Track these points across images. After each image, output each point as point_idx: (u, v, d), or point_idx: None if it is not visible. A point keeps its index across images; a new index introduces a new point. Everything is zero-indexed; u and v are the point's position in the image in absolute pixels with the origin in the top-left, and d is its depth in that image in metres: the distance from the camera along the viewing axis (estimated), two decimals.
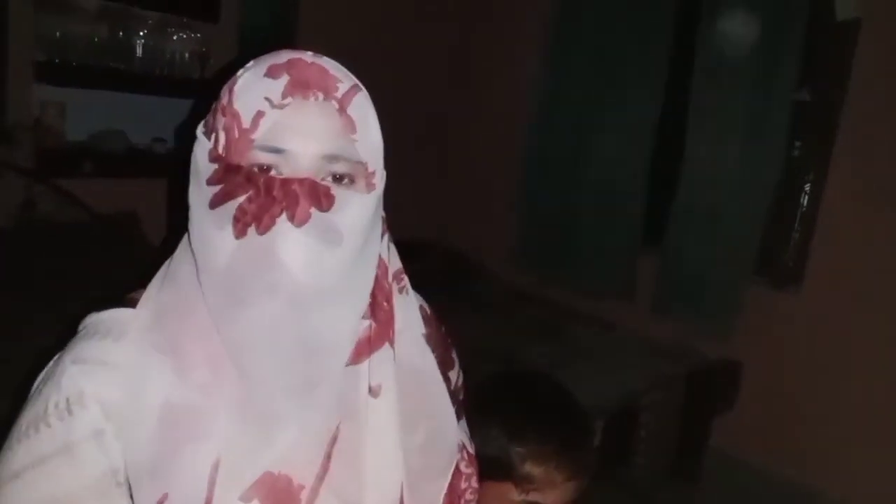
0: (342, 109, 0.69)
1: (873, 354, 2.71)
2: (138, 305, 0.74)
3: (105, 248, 2.95)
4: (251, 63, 0.71)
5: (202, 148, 0.69)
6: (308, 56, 0.70)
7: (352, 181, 0.70)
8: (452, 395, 0.87)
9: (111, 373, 0.69)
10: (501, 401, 1.11)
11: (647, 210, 3.49)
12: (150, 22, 3.32)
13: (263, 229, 0.64)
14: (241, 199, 0.65)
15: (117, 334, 0.72)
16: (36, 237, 2.87)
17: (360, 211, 0.68)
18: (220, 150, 0.68)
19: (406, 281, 0.81)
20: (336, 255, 0.66)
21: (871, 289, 2.74)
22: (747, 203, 3.03)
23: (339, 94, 0.69)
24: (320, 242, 0.65)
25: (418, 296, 0.88)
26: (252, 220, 0.64)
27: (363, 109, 0.71)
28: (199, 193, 0.69)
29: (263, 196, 0.65)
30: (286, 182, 0.65)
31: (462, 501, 0.82)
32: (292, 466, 0.69)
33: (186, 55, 3.44)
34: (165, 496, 0.66)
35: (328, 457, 0.71)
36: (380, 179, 0.73)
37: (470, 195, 4.22)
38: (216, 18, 3.46)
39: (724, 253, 3.09)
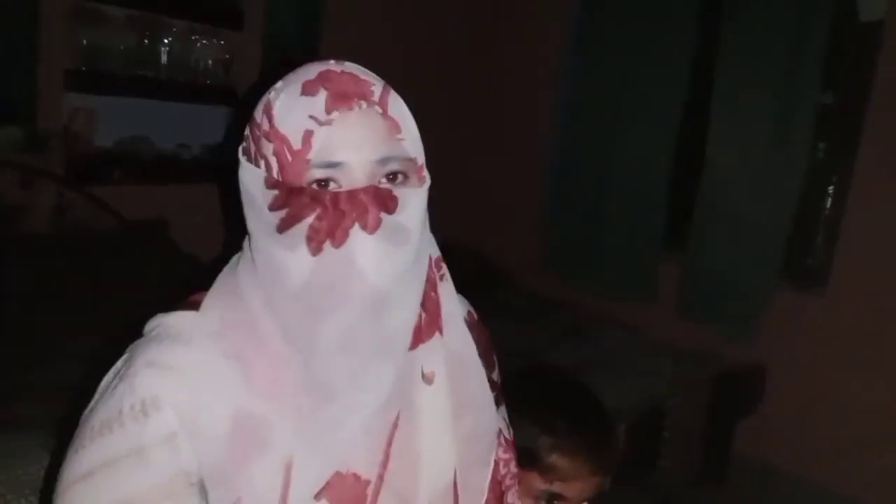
0: (385, 112, 0.71)
1: None
2: (202, 309, 0.76)
3: (135, 253, 3.00)
4: (280, 84, 0.72)
5: (252, 175, 0.71)
6: (334, 65, 0.72)
7: (406, 177, 0.72)
8: (493, 386, 0.90)
9: (183, 377, 0.70)
10: (532, 393, 1.13)
11: (670, 213, 3.48)
12: (175, 30, 3.37)
13: (339, 242, 0.66)
14: (310, 218, 0.67)
15: (186, 339, 0.73)
16: (68, 243, 2.93)
17: (417, 206, 0.71)
18: (276, 174, 0.69)
19: (445, 268, 0.83)
20: (404, 253, 0.69)
21: (895, 292, 2.72)
22: (771, 206, 3.02)
23: (377, 98, 0.71)
24: (392, 245, 0.68)
25: (465, 300, 0.91)
26: (326, 237, 0.66)
27: (400, 107, 0.73)
28: (260, 220, 0.71)
29: (332, 211, 0.66)
30: (352, 194, 0.67)
31: (503, 486, 0.85)
32: (357, 462, 0.71)
33: (211, 62, 3.49)
34: (239, 499, 0.68)
35: (388, 447, 0.73)
36: (426, 170, 0.75)
37: (494, 200, 4.23)
38: (241, 26, 3.51)
39: (748, 256, 3.08)
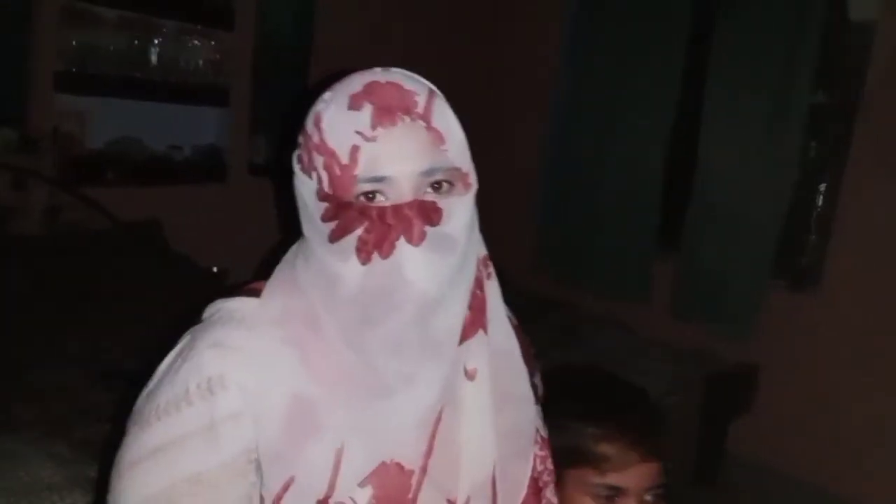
0: (428, 125, 0.73)
1: (893, 355, 2.70)
2: (263, 297, 0.79)
3: (128, 254, 2.98)
4: (328, 94, 0.74)
5: (306, 186, 0.74)
6: (380, 74, 0.74)
7: (451, 186, 0.74)
8: (534, 389, 0.93)
9: (246, 359, 0.73)
10: (568, 390, 1.11)
11: (664, 213, 3.49)
12: (166, 31, 3.35)
13: (386, 254, 0.70)
14: (359, 231, 0.70)
15: (249, 324, 0.76)
16: (60, 244, 2.91)
17: (463, 214, 0.74)
18: (326, 188, 0.72)
19: (492, 267, 0.85)
20: (451, 261, 0.72)
21: (888, 290, 2.74)
22: (764, 205, 3.03)
23: (420, 110, 0.73)
24: (439, 255, 0.71)
25: (505, 307, 0.92)
26: (374, 248, 0.70)
27: (444, 116, 0.75)
28: (314, 229, 0.75)
29: (379, 225, 0.70)
30: (397, 208, 0.70)
31: (540, 483, 0.86)
32: (402, 453, 0.74)
33: (202, 63, 3.47)
34: (292, 479, 0.72)
35: (432, 440, 0.75)
36: (473, 177, 0.77)
37: (489, 200, 4.21)
38: (232, 26, 3.49)
39: (742, 255, 3.09)
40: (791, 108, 2.96)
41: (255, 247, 3.60)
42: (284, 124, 0.82)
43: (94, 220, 3.11)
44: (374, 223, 0.70)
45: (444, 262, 0.71)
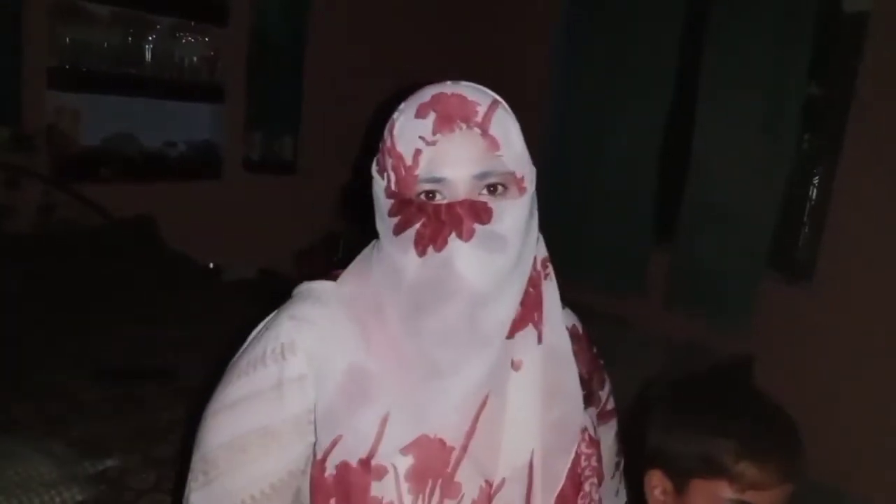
0: (484, 132, 0.79)
1: (886, 347, 2.71)
2: (339, 281, 0.88)
3: (123, 251, 2.99)
4: (403, 105, 0.83)
5: (379, 186, 0.83)
6: (448, 88, 0.81)
7: (505, 189, 0.80)
8: (604, 414, 1.01)
9: (316, 330, 0.84)
10: (705, 398, 1.07)
11: (659, 206, 3.49)
12: (159, 27, 3.34)
13: (439, 248, 0.77)
14: (417, 225, 0.78)
15: (324, 301, 0.86)
16: (55, 242, 2.91)
17: (516, 215, 0.80)
18: (393, 186, 0.80)
19: (550, 268, 0.91)
20: (502, 258, 0.78)
21: (882, 281, 2.75)
22: (758, 198, 3.03)
23: (479, 119, 0.79)
24: (487, 251, 0.77)
25: (573, 314, 1.01)
26: (429, 242, 0.78)
27: (503, 124, 0.81)
28: (383, 224, 0.84)
29: (434, 221, 0.78)
30: (450, 206, 0.78)
31: (582, 478, 0.90)
32: (445, 431, 0.80)
33: (196, 59, 3.47)
34: (340, 437, 0.80)
35: (475, 422, 0.81)
36: (529, 181, 0.83)
37: None
38: (225, 22, 3.49)
39: (736, 248, 3.09)
40: (785, 101, 2.96)
41: (250, 242, 3.64)
42: (367, 135, 0.95)
43: (89, 218, 3.11)
44: (430, 219, 0.78)
45: (494, 259, 0.78)
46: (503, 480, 0.83)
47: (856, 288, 2.81)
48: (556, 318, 0.90)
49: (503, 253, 0.78)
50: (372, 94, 3.95)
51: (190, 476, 0.86)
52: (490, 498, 0.82)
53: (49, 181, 3.01)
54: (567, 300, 0.95)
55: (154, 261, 3.06)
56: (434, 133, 0.78)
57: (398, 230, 0.80)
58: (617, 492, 1.08)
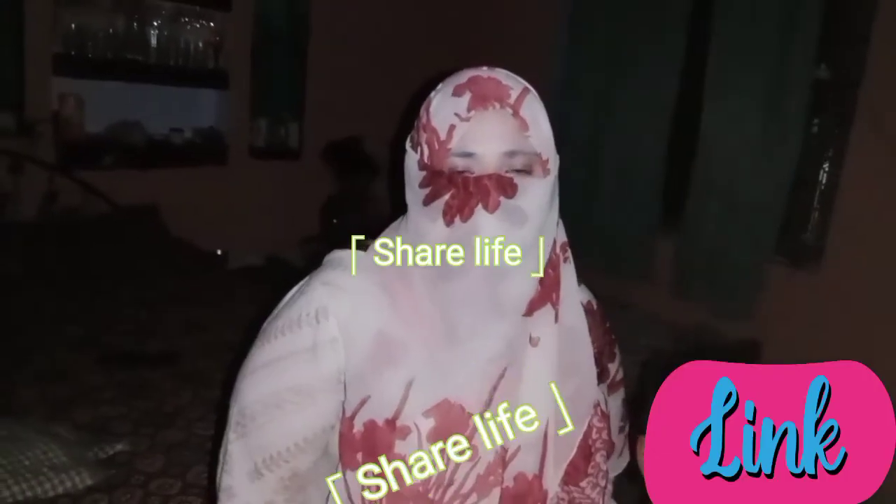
0: (516, 113, 0.84)
1: (893, 333, 2.70)
2: (368, 251, 0.92)
3: (126, 238, 2.99)
4: (440, 85, 0.87)
5: (411, 159, 0.87)
6: (484, 71, 0.86)
7: (530, 170, 0.84)
8: (613, 384, 1.05)
9: (347, 296, 0.88)
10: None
11: (665, 191, 3.48)
12: (164, 12, 3.33)
13: (466, 218, 0.81)
14: (446, 196, 0.82)
15: (355, 269, 0.90)
16: (59, 229, 2.91)
17: (539, 193, 0.84)
18: (426, 159, 0.85)
19: (569, 253, 0.95)
20: (522, 232, 0.82)
21: (890, 267, 2.73)
22: (766, 182, 3.01)
23: (511, 101, 0.84)
24: (509, 224, 0.82)
25: (588, 291, 1.04)
26: (457, 212, 0.82)
27: (533, 109, 0.85)
28: (413, 194, 0.87)
29: (463, 192, 0.82)
30: (478, 179, 0.82)
31: (593, 448, 0.95)
32: (465, 397, 0.85)
33: (201, 44, 3.45)
34: (368, 397, 0.86)
35: (493, 393, 0.86)
36: (553, 164, 0.87)
37: None
38: (228, 6, 3.47)
39: (744, 233, 3.07)
40: (793, 85, 2.93)
41: (256, 229, 3.64)
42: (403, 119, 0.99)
43: (93, 205, 3.11)
44: (458, 190, 0.82)
45: (515, 233, 0.82)
46: (518, 448, 0.87)
47: (864, 273, 2.80)
48: (573, 299, 0.94)
49: (523, 227, 0.82)
50: (376, 79, 3.97)
51: (227, 428, 0.92)
52: (505, 463, 0.87)
53: (53, 168, 3.01)
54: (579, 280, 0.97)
55: (159, 247, 3.07)
56: (469, 110, 0.82)
57: (428, 200, 0.84)
58: (620, 452, 1.13)
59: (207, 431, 1.81)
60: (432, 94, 0.87)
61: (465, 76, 0.85)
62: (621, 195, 3.54)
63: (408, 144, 0.89)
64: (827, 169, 3.04)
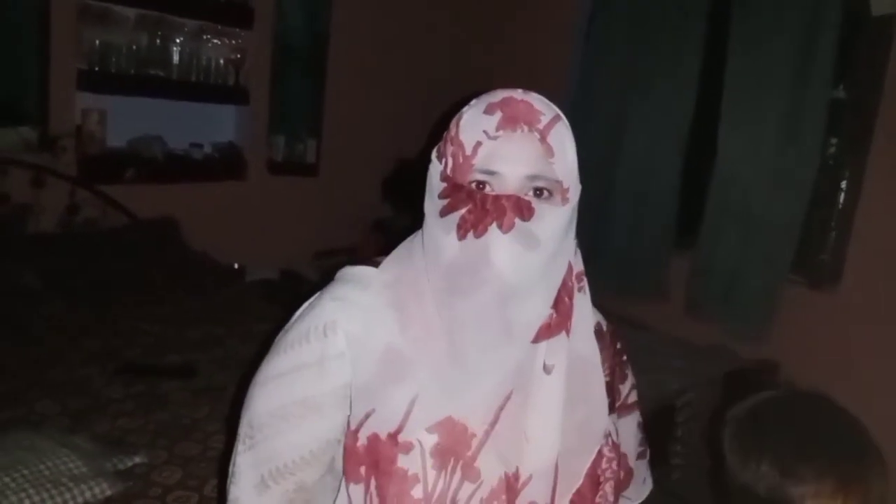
0: (543, 138, 0.84)
1: None
2: (381, 267, 0.93)
3: (146, 252, 3.02)
4: (474, 101, 0.88)
5: (435, 169, 0.88)
6: (518, 94, 0.86)
7: (550, 195, 0.85)
8: (625, 407, 1.05)
9: (356, 311, 0.89)
10: (771, 432, 1.01)
11: (681, 210, 3.47)
12: (186, 29, 3.38)
13: (479, 234, 0.81)
14: (463, 210, 0.83)
15: (365, 284, 0.91)
16: (79, 242, 2.94)
17: (555, 220, 0.84)
18: (448, 171, 0.86)
19: (585, 282, 0.95)
20: (534, 257, 0.82)
21: None
22: (783, 203, 3.00)
23: (541, 126, 0.84)
24: (522, 246, 0.82)
25: (597, 312, 1.03)
26: (471, 227, 0.82)
27: (561, 137, 0.86)
28: (431, 204, 0.88)
29: (479, 209, 0.82)
30: (497, 198, 0.82)
31: (602, 478, 0.94)
32: (469, 417, 0.85)
33: (222, 61, 3.50)
34: (373, 410, 0.86)
35: (498, 414, 0.85)
36: (574, 194, 0.87)
37: None
38: (250, 25, 3.52)
39: (760, 253, 3.06)
40: (810, 104, 2.93)
41: (273, 243, 3.67)
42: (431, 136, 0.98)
43: (114, 218, 3.14)
44: (476, 206, 0.82)
45: (527, 256, 0.82)
46: (530, 477, 0.87)
47: (883, 293, 2.78)
48: (587, 330, 0.94)
49: (535, 251, 0.82)
50: (393, 96, 4.00)
51: (237, 440, 0.93)
52: (515, 492, 0.86)
53: (75, 181, 3.05)
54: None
55: (177, 261, 3.09)
56: (497, 129, 0.83)
57: (445, 212, 0.84)
58: (644, 480, 1.11)
59: (223, 446, 1.82)
60: (465, 108, 0.88)
61: (499, 95, 0.86)
62: (636, 215, 3.53)
63: (434, 154, 0.90)
64: (844, 189, 3.03)
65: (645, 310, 3.40)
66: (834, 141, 3.08)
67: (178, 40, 3.36)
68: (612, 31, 3.66)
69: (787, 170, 2.99)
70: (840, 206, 3.04)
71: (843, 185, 3.03)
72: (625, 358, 1.07)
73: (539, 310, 0.86)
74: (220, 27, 3.48)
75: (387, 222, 3.83)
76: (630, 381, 1.08)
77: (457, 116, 0.88)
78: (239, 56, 3.55)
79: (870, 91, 2.87)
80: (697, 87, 3.37)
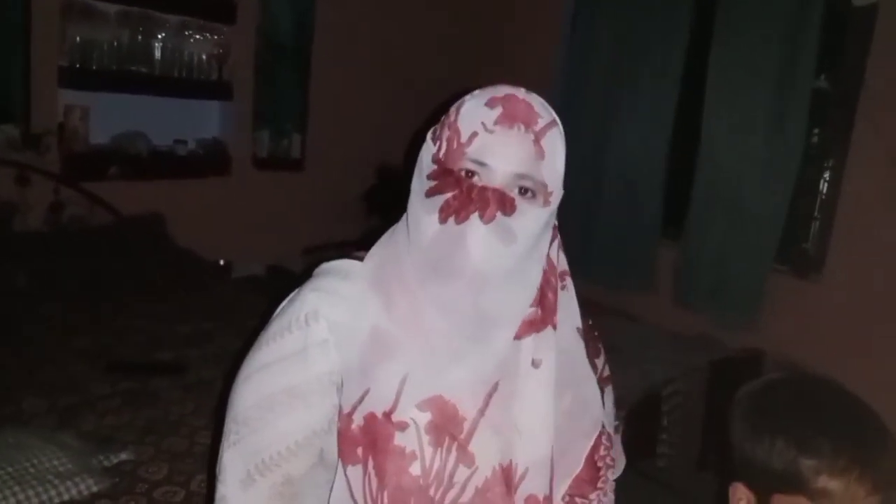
0: (537, 140, 0.86)
1: (894, 340, 2.70)
2: (366, 259, 0.95)
3: (132, 249, 3.00)
4: (478, 91, 0.89)
5: (427, 150, 0.90)
6: (521, 93, 0.88)
7: (533, 195, 0.87)
8: (601, 380, 1.04)
9: (338, 300, 0.91)
10: (785, 409, 1.03)
11: (667, 201, 3.49)
12: (168, 25, 3.36)
13: (460, 221, 0.83)
14: (448, 195, 0.85)
15: (345, 275, 0.94)
16: (65, 240, 2.93)
17: (534, 220, 0.86)
18: (441, 154, 0.88)
19: (568, 280, 0.97)
20: (508, 251, 0.84)
21: (891, 275, 2.74)
22: (767, 192, 3.03)
23: (537, 128, 0.86)
24: (499, 239, 0.84)
25: (585, 318, 1.04)
26: (453, 213, 0.84)
27: (554, 142, 0.88)
28: (419, 183, 0.89)
29: (465, 196, 0.84)
30: (482, 189, 0.84)
31: (600, 463, 0.96)
32: (459, 399, 0.87)
33: (205, 57, 3.48)
34: (368, 390, 0.87)
35: (487, 400, 0.87)
36: (555, 198, 0.89)
37: None
38: (233, 20, 3.50)
39: (745, 242, 3.09)
40: (793, 94, 2.96)
41: (259, 239, 3.66)
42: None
43: (99, 216, 3.13)
44: (461, 193, 0.84)
45: (501, 250, 0.84)
46: (526, 470, 0.88)
47: (865, 281, 2.81)
48: (570, 326, 0.97)
49: (511, 246, 0.84)
50: (378, 90, 4.00)
51: (223, 438, 0.93)
52: (513, 487, 0.88)
53: (59, 179, 3.03)
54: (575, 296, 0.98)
55: (164, 257, 3.08)
56: (495, 123, 0.85)
57: (431, 193, 0.86)
58: (620, 454, 1.11)
59: (210, 440, 1.82)
60: (467, 96, 0.89)
61: (502, 91, 0.88)
62: (623, 207, 3.56)
63: (429, 136, 0.91)
64: (827, 178, 3.05)
65: (634, 301, 3.42)
66: (816, 131, 3.10)
67: (160, 36, 3.33)
68: (597, 23, 3.67)
69: (772, 160, 3.02)
70: (822, 195, 3.07)
71: (826, 174, 3.06)
72: (596, 333, 1.08)
73: (515, 305, 0.88)
74: (202, 22, 3.45)
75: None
76: (603, 355, 1.08)
77: (458, 103, 0.89)
78: (222, 51, 3.53)
79: (851, 81, 2.90)
80: (682, 78, 3.39)
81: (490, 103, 0.86)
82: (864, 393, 1.03)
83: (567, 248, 0.97)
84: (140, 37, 3.27)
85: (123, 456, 1.72)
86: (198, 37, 3.46)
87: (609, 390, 1.08)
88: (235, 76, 3.58)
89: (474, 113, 0.87)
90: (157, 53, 3.33)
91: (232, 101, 3.60)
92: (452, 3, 4.23)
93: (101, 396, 2.02)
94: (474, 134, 0.85)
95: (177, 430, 1.89)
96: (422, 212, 0.87)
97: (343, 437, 0.88)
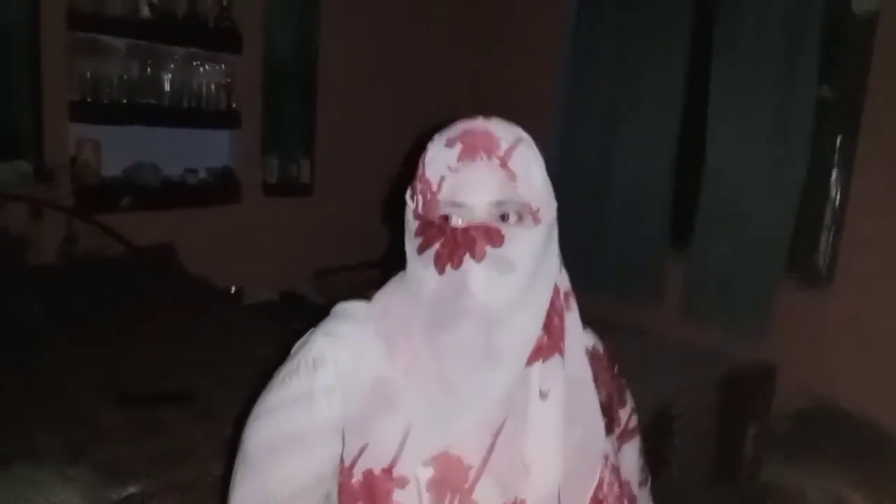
0: (504, 164, 0.86)
1: None
2: (373, 301, 0.95)
3: (145, 279, 3.04)
4: (436, 136, 0.90)
5: (409, 209, 0.91)
6: (478, 122, 0.89)
7: (520, 218, 0.87)
8: (625, 433, 1.04)
9: (346, 345, 0.91)
10: (818, 441, 1.04)
11: (674, 214, 3.49)
12: (176, 57, 3.42)
13: (456, 266, 0.84)
14: (437, 245, 0.86)
15: (356, 319, 0.93)
16: (78, 273, 2.97)
17: (528, 242, 0.86)
18: (420, 209, 0.89)
19: (573, 302, 0.96)
20: (511, 280, 0.84)
21: None
22: (774, 203, 3.02)
23: (500, 153, 0.86)
24: (497, 272, 0.84)
25: (594, 335, 1.05)
26: (447, 261, 0.85)
27: (524, 160, 0.88)
28: (410, 243, 0.90)
29: (451, 241, 0.85)
30: (465, 230, 0.85)
31: (606, 503, 0.93)
32: (464, 448, 0.85)
33: (213, 87, 3.54)
34: (366, 445, 0.86)
35: (494, 440, 0.86)
36: (546, 213, 0.89)
37: None
38: (239, 49, 3.56)
39: (754, 254, 3.07)
40: (797, 104, 2.95)
41: (270, 265, 3.70)
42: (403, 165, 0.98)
43: (112, 247, 3.17)
44: (447, 239, 0.85)
45: (503, 280, 0.83)
46: None
47: (876, 292, 2.78)
48: (578, 349, 0.95)
49: (511, 275, 0.84)
50: (383, 115, 4.03)
51: (233, 474, 0.94)
52: None
53: (72, 212, 3.08)
54: (583, 311, 0.97)
55: (175, 286, 3.12)
56: (458, 161, 0.85)
57: (421, 249, 0.87)
58: None
59: (220, 471, 1.83)
60: (429, 144, 0.90)
61: (458, 128, 0.88)
62: (630, 220, 3.55)
63: (407, 195, 0.91)
64: (835, 188, 3.03)
65: (641, 314, 3.41)
66: (821, 140, 3.09)
67: (168, 68, 3.40)
68: (599, 34, 3.68)
69: (777, 170, 3.01)
70: (831, 204, 3.05)
71: (833, 184, 3.04)
72: (623, 381, 1.06)
73: (526, 332, 0.86)
74: (209, 53, 3.52)
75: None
76: (630, 405, 1.07)
77: (423, 155, 0.90)
78: (230, 80, 3.59)
79: (855, 89, 2.89)
80: (685, 88, 3.39)
81: (449, 143, 0.87)
82: (876, 405, 1.03)
83: (573, 262, 0.97)
84: (149, 69, 3.33)
85: (131, 489, 1.74)
86: (205, 67, 3.52)
87: (635, 442, 1.07)
88: (243, 105, 3.63)
89: (437, 158, 0.87)
90: (166, 85, 3.39)
91: (240, 129, 3.66)
92: (454, 25, 4.27)
93: (111, 427, 2.04)
94: (442, 178, 0.86)
95: (185, 460, 1.91)
96: (420, 269, 0.88)
97: (343, 490, 0.88)
